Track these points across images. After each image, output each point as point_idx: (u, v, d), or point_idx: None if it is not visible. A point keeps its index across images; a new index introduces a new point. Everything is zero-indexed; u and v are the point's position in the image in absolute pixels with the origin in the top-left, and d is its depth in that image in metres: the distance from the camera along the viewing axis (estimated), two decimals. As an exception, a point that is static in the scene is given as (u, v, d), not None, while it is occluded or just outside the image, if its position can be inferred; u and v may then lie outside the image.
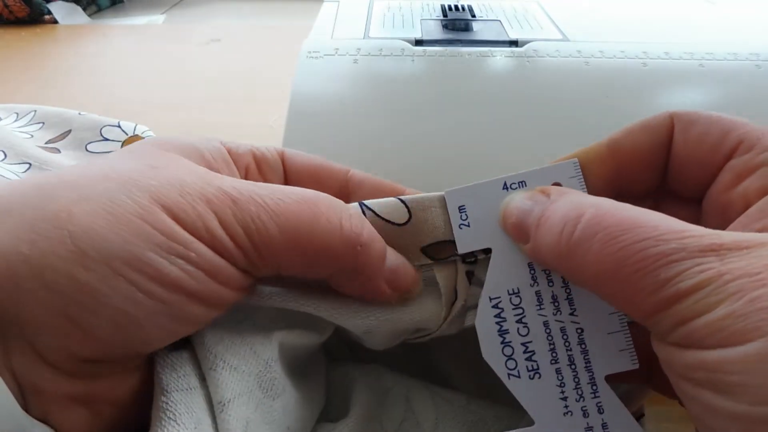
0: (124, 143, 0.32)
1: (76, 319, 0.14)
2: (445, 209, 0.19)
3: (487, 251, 0.19)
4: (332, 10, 0.44)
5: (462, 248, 0.19)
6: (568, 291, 0.18)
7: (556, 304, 0.18)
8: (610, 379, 0.17)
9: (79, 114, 0.34)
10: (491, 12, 0.43)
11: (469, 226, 0.19)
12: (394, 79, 0.34)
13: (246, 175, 0.21)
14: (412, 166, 0.29)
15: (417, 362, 0.24)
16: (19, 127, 0.33)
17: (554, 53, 0.35)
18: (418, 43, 0.37)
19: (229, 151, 0.20)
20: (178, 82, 0.54)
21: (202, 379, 0.17)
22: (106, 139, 0.33)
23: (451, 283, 0.19)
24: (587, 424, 0.17)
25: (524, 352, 0.17)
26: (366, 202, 0.19)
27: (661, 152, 0.18)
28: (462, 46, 0.37)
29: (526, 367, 0.17)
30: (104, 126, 0.33)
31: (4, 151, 0.29)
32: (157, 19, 0.74)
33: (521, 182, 0.19)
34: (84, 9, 0.74)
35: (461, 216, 0.19)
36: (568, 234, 0.15)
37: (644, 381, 0.19)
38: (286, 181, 0.22)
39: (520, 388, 0.17)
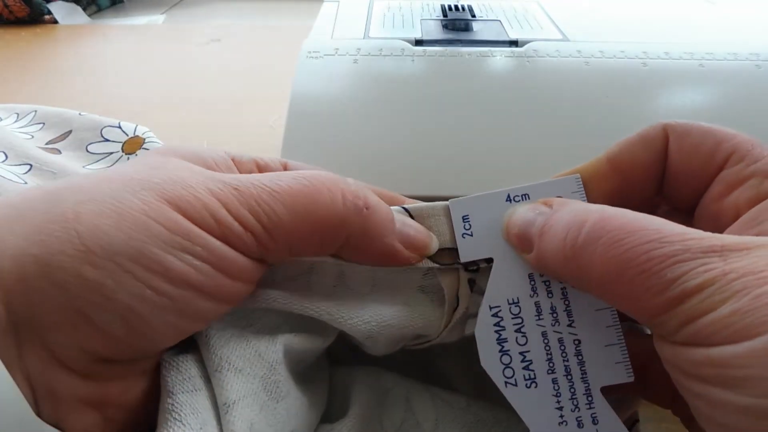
0: (124, 144, 0.32)
1: (87, 314, 0.14)
2: (449, 218, 0.19)
3: (489, 261, 0.19)
4: (332, 10, 0.44)
5: (464, 257, 0.19)
6: (566, 303, 0.18)
7: (555, 315, 0.18)
8: (604, 389, 0.17)
9: (80, 114, 0.34)
10: (491, 12, 0.43)
11: (472, 235, 0.19)
12: (394, 79, 0.34)
13: None
14: (412, 166, 0.29)
15: (417, 364, 0.25)
16: (20, 127, 0.33)
17: (554, 53, 0.35)
18: (418, 43, 0.37)
19: (233, 159, 0.20)
20: (178, 82, 0.54)
21: (208, 381, 0.17)
22: (107, 140, 0.33)
23: (453, 290, 0.20)
24: None
25: (522, 361, 0.18)
26: None
27: (658, 165, 0.18)
28: (462, 46, 0.37)
29: (523, 376, 0.18)
30: (105, 126, 0.33)
31: (5, 152, 0.29)
32: (157, 19, 0.74)
33: (524, 195, 0.19)
34: (84, 9, 0.74)
35: (464, 225, 0.19)
36: (573, 239, 0.15)
37: (637, 392, 0.19)
38: None
39: (516, 397, 0.17)
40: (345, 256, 0.18)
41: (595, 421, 0.17)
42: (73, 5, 0.73)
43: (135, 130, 0.33)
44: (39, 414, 0.14)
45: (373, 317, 0.19)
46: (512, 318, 0.18)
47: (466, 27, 0.41)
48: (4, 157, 0.29)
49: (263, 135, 0.44)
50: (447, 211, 0.19)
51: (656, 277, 0.13)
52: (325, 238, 0.17)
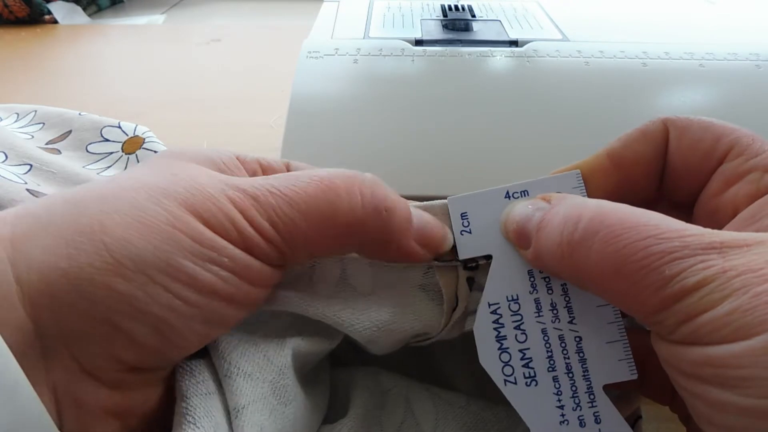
0: (124, 144, 0.32)
1: (118, 325, 0.14)
2: (448, 215, 0.19)
3: (489, 258, 0.19)
4: (332, 10, 0.44)
5: (463, 254, 0.19)
6: (567, 299, 0.18)
7: (555, 311, 0.18)
8: (604, 385, 0.17)
9: (80, 114, 0.34)
10: (491, 12, 0.43)
11: (470, 232, 0.19)
12: (394, 79, 0.34)
13: None
14: (412, 166, 0.29)
15: (417, 364, 0.24)
16: (20, 127, 0.33)
17: (554, 53, 0.35)
18: (418, 43, 0.37)
19: (238, 158, 0.20)
20: (178, 82, 0.54)
21: (220, 385, 0.17)
22: (107, 140, 0.33)
23: (452, 289, 0.19)
24: None
25: (521, 359, 0.17)
26: None
27: (659, 160, 0.18)
28: (462, 46, 0.37)
29: (523, 374, 0.17)
30: (104, 126, 0.33)
31: (5, 152, 0.29)
32: (157, 19, 0.74)
33: (523, 191, 0.19)
34: (84, 9, 0.74)
35: (463, 222, 0.19)
36: (570, 233, 0.15)
37: (636, 387, 0.19)
38: None
39: (516, 395, 0.17)
40: (364, 254, 0.19)
41: (597, 420, 0.17)
42: (73, 5, 0.73)
43: (135, 130, 0.33)
44: (61, 425, 0.14)
45: (375, 322, 0.19)
46: (511, 315, 0.18)
47: (466, 27, 0.41)
48: (4, 157, 0.29)
49: (263, 135, 0.44)
50: (445, 208, 0.19)
51: (654, 274, 0.13)
52: (346, 241, 0.17)
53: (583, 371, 0.17)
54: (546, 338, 0.17)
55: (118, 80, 0.55)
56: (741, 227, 0.15)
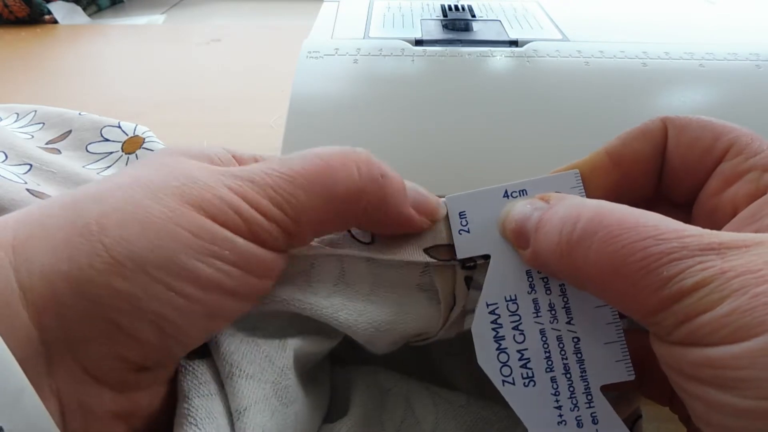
0: (124, 144, 0.32)
1: (120, 324, 0.14)
2: (446, 214, 0.19)
3: (487, 257, 0.19)
4: (332, 10, 0.44)
5: (461, 254, 0.19)
6: (565, 300, 0.18)
7: (553, 312, 0.18)
8: (603, 387, 0.17)
9: (80, 114, 0.34)
10: (491, 12, 0.43)
11: (468, 232, 0.19)
12: (394, 79, 0.34)
13: None
14: (412, 166, 0.29)
15: (417, 363, 0.25)
16: (20, 127, 0.33)
17: (554, 53, 0.35)
18: (418, 43, 0.37)
19: (234, 156, 0.20)
20: (178, 82, 0.54)
21: (222, 386, 0.17)
22: (107, 140, 0.33)
23: (449, 288, 0.19)
24: None
25: (519, 359, 0.17)
26: None
27: (658, 159, 0.18)
28: (462, 46, 0.37)
29: (521, 374, 0.17)
30: (104, 126, 0.33)
31: (5, 152, 0.29)
32: (157, 19, 0.74)
33: (522, 191, 0.19)
34: (84, 9, 0.74)
35: (461, 222, 0.19)
36: (568, 233, 0.15)
37: (635, 388, 0.19)
38: None
39: (514, 396, 0.17)
40: (361, 227, 0.19)
41: (594, 421, 0.17)
42: (73, 5, 0.73)
43: (135, 130, 0.33)
44: (66, 430, 0.14)
45: (373, 323, 0.19)
46: (510, 315, 0.18)
47: (466, 27, 0.41)
48: (4, 157, 0.29)
49: (263, 135, 0.44)
50: (444, 207, 0.19)
51: (653, 275, 0.13)
52: (347, 212, 0.17)
53: (581, 372, 0.17)
54: (544, 339, 0.17)
55: (118, 80, 0.55)
56: (740, 227, 0.15)
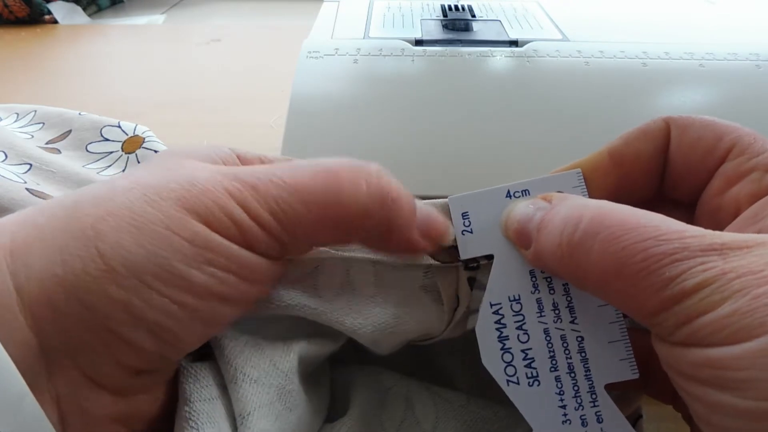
0: (124, 143, 0.32)
1: (116, 331, 0.14)
2: (449, 215, 0.19)
3: (490, 257, 0.19)
4: (332, 10, 0.44)
5: (464, 254, 0.19)
6: (569, 299, 0.18)
7: (557, 311, 0.18)
8: (607, 385, 0.17)
9: (79, 114, 0.34)
10: (491, 12, 0.43)
11: (471, 232, 0.19)
12: (394, 79, 0.34)
13: None
14: (412, 166, 0.29)
15: (417, 362, 0.24)
16: (20, 127, 0.33)
17: (554, 53, 0.35)
18: (418, 43, 0.37)
19: (239, 157, 0.20)
20: (178, 82, 0.54)
21: (225, 389, 0.17)
22: (107, 140, 0.33)
23: (452, 289, 0.19)
24: None
25: (524, 359, 0.17)
26: None
27: (660, 159, 0.18)
28: (462, 46, 0.36)
29: (526, 374, 0.17)
30: (104, 126, 0.33)
31: (5, 152, 0.29)
32: (157, 19, 0.74)
33: (524, 191, 0.19)
34: (84, 9, 0.74)
35: (464, 222, 0.19)
36: (570, 234, 0.15)
37: (638, 387, 0.19)
38: None
39: (518, 395, 0.17)
40: (368, 246, 0.18)
41: (599, 419, 0.17)
42: (73, 5, 0.73)
43: (135, 130, 0.33)
44: None
45: (378, 325, 0.19)
46: (513, 315, 0.18)
47: (466, 27, 0.41)
48: (3, 157, 0.29)
49: (263, 135, 0.44)
50: (446, 208, 0.19)
51: (654, 276, 0.13)
52: (348, 231, 0.17)
53: (585, 371, 0.17)
54: (548, 338, 0.18)
55: (118, 80, 0.55)
56: (743, 227, 0.15)
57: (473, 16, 0.42)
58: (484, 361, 0.18)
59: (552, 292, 0.18)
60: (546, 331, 0.18)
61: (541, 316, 0.18)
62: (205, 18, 0.77)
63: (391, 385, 0.23)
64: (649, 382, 0.18)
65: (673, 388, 0.14)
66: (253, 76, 0.55)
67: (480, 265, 0.19)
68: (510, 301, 0.18)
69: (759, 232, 0.15)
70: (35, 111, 0.35)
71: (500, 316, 0.18)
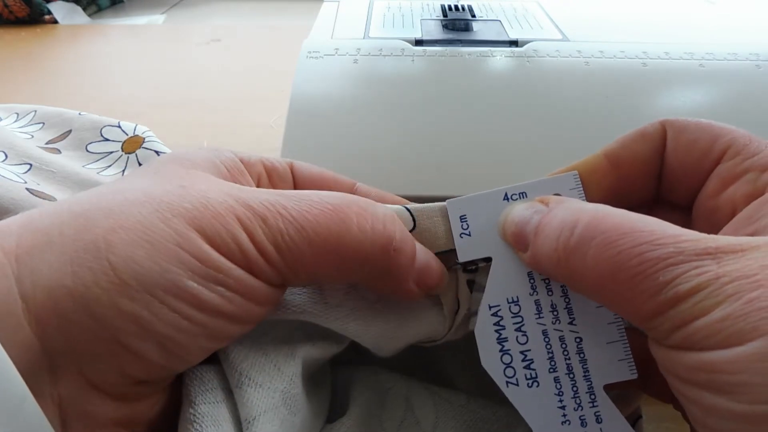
0: (124, 143, 0.32)
1: (125, 343, 0.14)
2: (447, 218, 0.19)
3: (488, 260, 0.19)
4: (332, 10, 0.44)
5: (463, 257, 0.19)
6: (567, 300, 0.18)
7: (555, 313, 0.18)
8: (606, 385, 0.17)
9: (79, 114, 0.34)
10: (491, 12, 0.43)
11: (470, 235, 0.19)
12: (394, 79, 0.34)
13: (258, 184, 0.21)
14: (412, 166, 0.29)
15: (417, 363, 0.25)
16: (20, 127, 0.34)
17: (554, 53, 0.35)
18: (418, 43, 0.37)
19: (242, 161, 0.20)
20: (178, 82, 0.54)
21: (229, 393, 0.17)
22: (107, 140, 0.33)
23: (452, 292, 0.20)
24: None
25: (523, 360, 0.18)
26: None
27: (657, 161, 0.18)
28: (462, 46, 0.37)
29: (525, 375, 0.17)
30: (104, 126, 0.33)
31: (5, 152, 0.29)
32: (157, 19, 0.74)
33: (522, 193, 0.19)
34: (84, 9, 0.74)
35: (462, 225, 0.19)
36: (566, 239, 0.15)
37: (638, 387, 0.19)
38: None
39: (518, 397, 0.17)
40: (363, 284, 0.19)
41: (599, 420, 0.17)
42: (73, 5, 0.73)
43: (135, 130, 0.33)
44: None
45: (381, 331, 0.19)
46: (512, 317, 0.18)
47: (466, 27, 0.41)
48: (4, 157, 0.29)
49: (263, 135, 0.44)
50: (444, 211, 0.19)
51: (649, 280, 0.13)
52: (347, 272, 0.17)
53: (584, 372, 0.17)
54: (547, 339, 0.18)
55: (118, 80, 0.55)
56: (739, 228, 0.15)
57: (473, 16, 0.42)
58: (484, 363, 0.18)
59: (550, 293, 0.18)
60: (545, 333, 0.18)
61: (539, 317, 0.18)
62: (205, 18, 0.77)
63: (391, 385, 0.23)
64: (648, 382, 0.18)
65: None
66: (253, 76, 0.55)
67: (479, 268, 0.19)
68: (508, 302, 0.18)
69: (755, 232, 0.15)
70: (35, 111, 0.35)
71: (499, 318, 0.18)
